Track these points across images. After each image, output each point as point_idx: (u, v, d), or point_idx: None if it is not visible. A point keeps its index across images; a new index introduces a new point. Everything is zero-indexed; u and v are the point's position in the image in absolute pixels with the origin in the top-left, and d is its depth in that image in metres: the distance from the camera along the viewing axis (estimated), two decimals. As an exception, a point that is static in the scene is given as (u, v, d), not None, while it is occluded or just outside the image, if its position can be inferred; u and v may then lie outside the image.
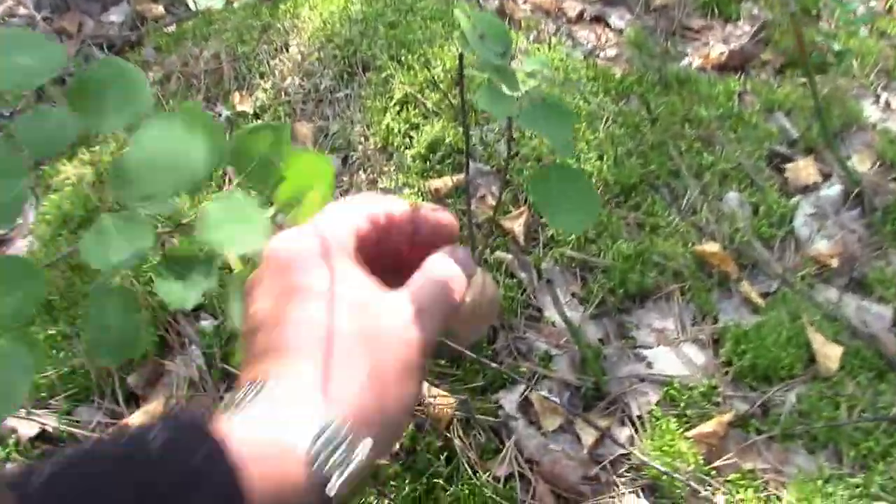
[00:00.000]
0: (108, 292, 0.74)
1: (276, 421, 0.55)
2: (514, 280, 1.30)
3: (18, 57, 0.71)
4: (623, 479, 1.12)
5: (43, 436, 1.22)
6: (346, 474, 0.55)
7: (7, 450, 1.19)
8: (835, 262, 1.35)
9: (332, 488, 0.54)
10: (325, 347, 0.60)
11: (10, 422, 1.22)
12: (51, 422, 1.23)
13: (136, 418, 1.21)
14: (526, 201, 1.38)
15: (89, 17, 2.06)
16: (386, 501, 1.12)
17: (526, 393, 1.19)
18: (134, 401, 1.28)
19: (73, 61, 1.92)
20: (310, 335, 0.60)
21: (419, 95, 1.49)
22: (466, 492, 1.09)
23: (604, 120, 1.48)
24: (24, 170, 0.69)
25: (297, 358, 0.59)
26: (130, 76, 0.77)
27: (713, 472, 1.12)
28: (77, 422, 1.24)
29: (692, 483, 1.10)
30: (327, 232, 0.64)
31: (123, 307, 0.74)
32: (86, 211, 1.52)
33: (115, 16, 2.05)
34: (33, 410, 1.24)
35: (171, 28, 1.93)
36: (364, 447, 0.56)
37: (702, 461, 1.12)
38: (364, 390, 0.59)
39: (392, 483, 1.14)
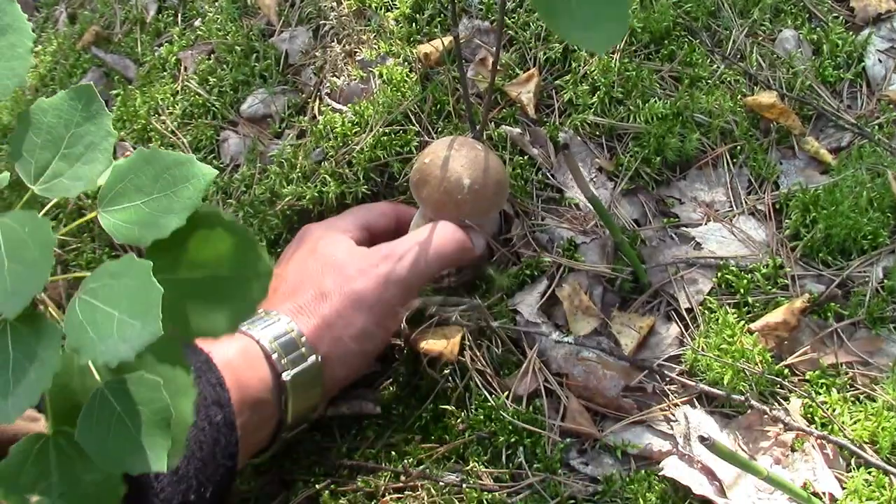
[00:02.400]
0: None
1: (255, 334, 0.84)
2: (526, 157, 1.07)
3: None
4: (674, 388, 0.91)
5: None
6: (298, 368, 0.83)
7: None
8: (918, 105, 1.10)
9: (288, 376, 0.82)
10: (302, 288, 0.91)
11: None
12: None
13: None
14: (535, 61, 1.13)
15: None
16: (388, 433, 0.93)
17: (549, 291, 0.98)
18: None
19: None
20: (298, 279, 0.92)
21: (398, -57, 1.23)
22: (481, 416, 0.89)
23: (625, -45, 1.21)
24: None
25: (285, 295, 0.90)
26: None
27: (786, 372, 0.91)
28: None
29: (761, 386, 0.89)
30: (340, 221, 1.00)
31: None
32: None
33: None
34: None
35: None
36: (316, 354, 0.85)
37: (771, 359, 0.91)
38: (324, 315, 0.88)
39: (393, 411, 0.95)
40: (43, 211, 0.59)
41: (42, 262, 0.51)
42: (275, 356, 0.83)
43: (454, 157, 0.92)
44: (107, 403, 0.53)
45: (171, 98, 1.26)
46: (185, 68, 1.28)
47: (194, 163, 0.58)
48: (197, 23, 1.32)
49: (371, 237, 0.99)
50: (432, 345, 0.91)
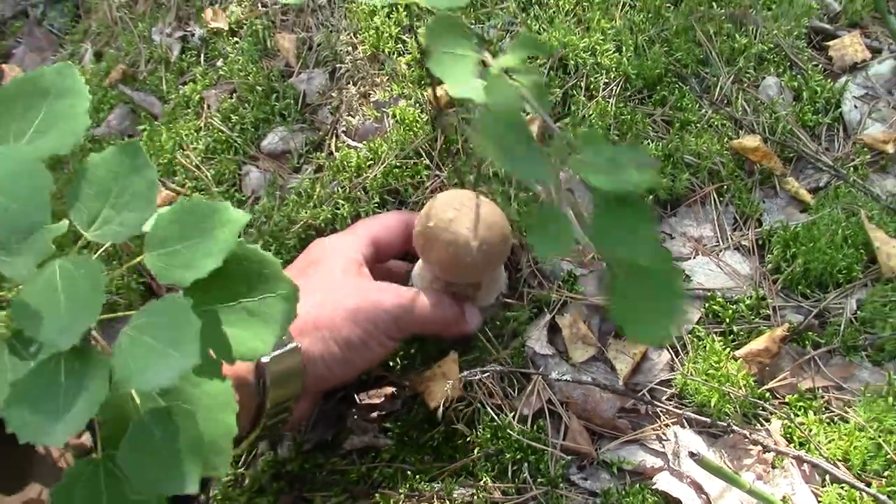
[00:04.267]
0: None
1: None
2: (530, 193, 1.16)
3: None
4: (665, 410, 1.00)
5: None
6: (277, 351, 0.86)
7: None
8: (890, 148, 1.19)
9: (267, 358, 0.86)
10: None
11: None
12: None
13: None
14: (537, 104, 1.22)
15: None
16: (402, 454, 1.01)
17: (550, 320, 1.06)
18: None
19: (34, -10, 1.76)
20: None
21: (410, -6, 1.32)
22: (489, 435, 0.97)
23: (620, 6, 1.30)
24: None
25: None
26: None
27: (767, 395, 1.00)
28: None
29: (744, 408, 0.98)
30: (348, 236, 1.05)
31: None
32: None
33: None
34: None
35: (137, -56, 1.76)
36: (298, 344, 0.89)
37: (753, 383, 0.99)
38: (312, 315, 0.92)
39: (405, 437, 1.02)
40: (95, 255, 0.66)
41: (94, 299, 0.58)
42: None
43: (458, 220, 0.93)
44: (147, 431, 0.60)
45: (195, 134, 1.34)
46: (208, 106, 1.36)
47: (229, 209, 0.65)
48: (219, 63, 1.40)
49: (378, 252, 1.04)
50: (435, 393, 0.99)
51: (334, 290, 0.95)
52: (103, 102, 1.45)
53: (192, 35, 1.46)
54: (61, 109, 0.66)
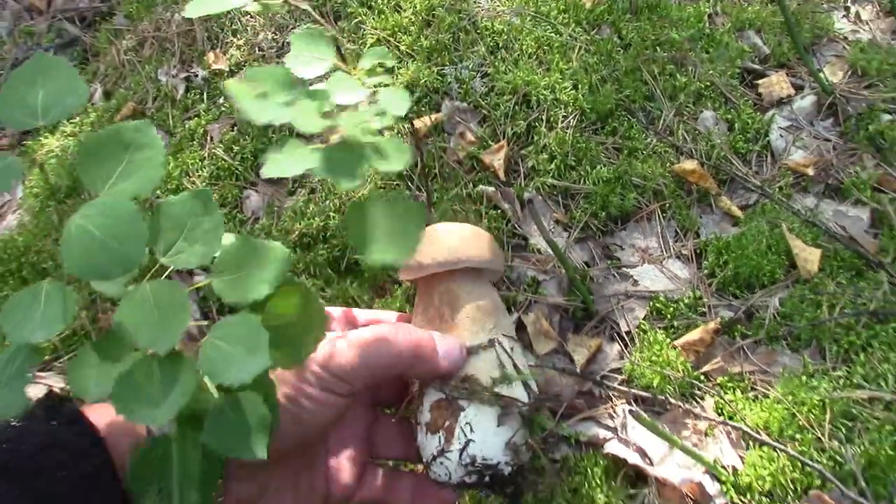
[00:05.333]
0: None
1: None
2: (499, 211, 1.33)
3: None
4: (615, 392, 1.16)
5: (50, 396, 1.25)
6: None
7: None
8: (811, 171, 1.37)
9: None
10: None
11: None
12: (57, 382, 1.26)
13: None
14: (504, 135, 1.40)
15: (59, -9, 2.06)
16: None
17: (517, 318, 1.22)
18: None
19: (45, 37, 1.92)
20: None
21: (391, 39, 1.50)
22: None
23: (577, 50, 1.49)
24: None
25: None
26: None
27: (701, 378, 1.16)
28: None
29: (682, 388, 1.14)
30: None
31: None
32: (72, 181, 1.54)
33: (84, -12, 2.05)
34: (39, 373, 1.27)
35: (142, -5, 1.93)
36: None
37: (690, 367, 1.15)
38: None
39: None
40: (165, 274, 0.80)
41: (182, 311, 0.71)
42: None
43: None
44: (225, 414, 0.74)
45: (200, 163, 1.50)
46: (212, 138, 1.52)
47: (277, 246, 0.79)
48: (220, 100, 1.57)
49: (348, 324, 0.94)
50: None
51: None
52: (115, 136, 1.60)
53: (196, 76, 1.62)
54: (140, 160, 0.75)
